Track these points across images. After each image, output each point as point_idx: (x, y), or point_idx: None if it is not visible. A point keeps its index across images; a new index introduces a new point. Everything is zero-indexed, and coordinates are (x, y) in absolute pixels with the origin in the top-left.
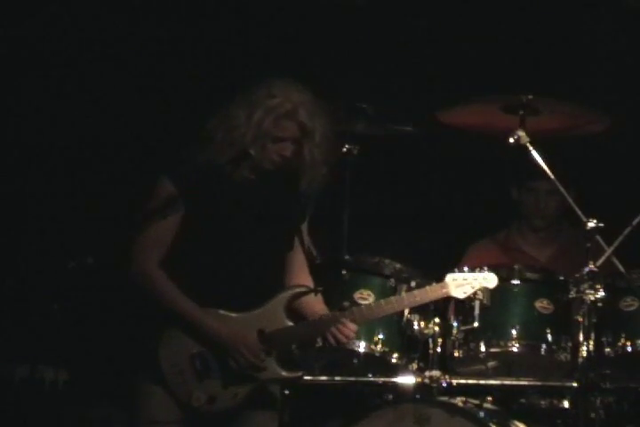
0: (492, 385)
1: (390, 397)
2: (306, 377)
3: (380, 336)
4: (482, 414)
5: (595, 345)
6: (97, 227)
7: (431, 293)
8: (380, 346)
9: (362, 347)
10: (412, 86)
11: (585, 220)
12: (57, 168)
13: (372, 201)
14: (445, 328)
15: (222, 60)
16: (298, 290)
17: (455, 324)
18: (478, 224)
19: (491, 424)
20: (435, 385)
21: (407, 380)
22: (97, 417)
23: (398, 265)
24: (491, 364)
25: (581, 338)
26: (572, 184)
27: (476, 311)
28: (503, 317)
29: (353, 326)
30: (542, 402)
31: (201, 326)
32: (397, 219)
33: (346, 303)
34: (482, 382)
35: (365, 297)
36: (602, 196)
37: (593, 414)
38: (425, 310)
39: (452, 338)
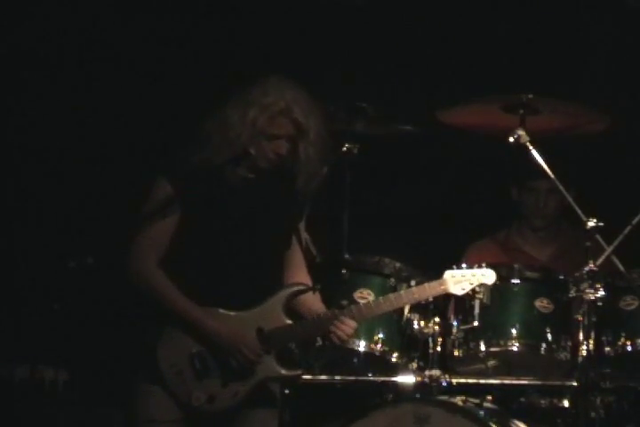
0: (491, 384)
1: (390, 396)
2: (306, 376)
3: (380, 335)
4: (482, 413)
5: (595, 344)
6: (97, 227)
7: (430, 289)
8: (379, 345)
9: (362, 346)
10: (412, 86)
11: (585, 219)
12: (57, 168)
13: (372, 201)
14: (445, 327)
15: (221, 60)
16: (296, 288)
17: (455, 323)
18: (478, 224)
19: (491, 424)
20: (435, 384)
21: (407, 379)
22: (97, 417)
23: (398, 264)
24: (491, 363)
25: (581, 337)
26: (571, 184)
27: (476, 311)
28: (503, 316)
29: (352, 324)
30: (542, 401)
31: (200, 326)
32: (397, 219)
33: (344, 302)
34: (482, 381)
35: (365, 296)
36: (602, 195)
37: (593, 414)
38: (425, 310)
39: (452, 337)
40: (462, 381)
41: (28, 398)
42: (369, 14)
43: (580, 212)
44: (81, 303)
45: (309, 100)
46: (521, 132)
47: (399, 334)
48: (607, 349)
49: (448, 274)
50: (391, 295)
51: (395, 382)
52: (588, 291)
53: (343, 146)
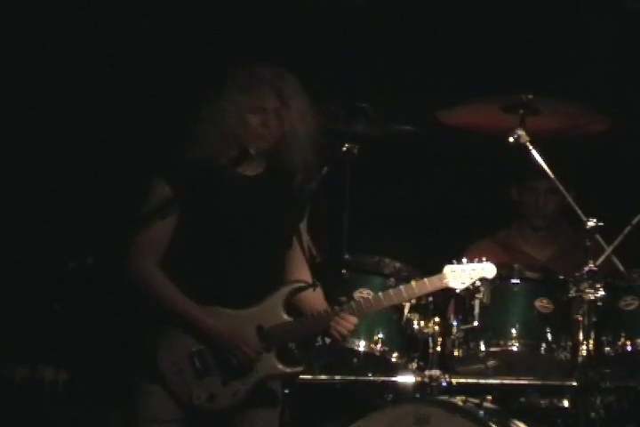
0: (491, 384)
1: (390, 396)
2: (306, 376)
3: (380, 335)
4: (482, 413)
5: (594, 344)
6: (97, 227)
7: (430, 284)
8: (379, 345)
9: (362, 346)
10: (412, 86)
11: (585, 219)
12: (57, 168)
13: (371, 201)
14: (445, 327)
15: (221, 59)
16: (296, 285)
17: (455, 323)
18: (478, 224)
19: (490, 423)
20: (434, 384)
21: (407, 379)
22: (97, 417)
23: (398, 264)
24: (490, 363)
25: (581, 337)
26: (571, 184)
27: (476, 310)
28: (503, 316)
29: (353, 319)
30: (542, 401)
31: (199, 324)
32: (397, 219)
33: (343, 298)
34: (482, 381)
35: (365, 296)
36: (602, 195)
37: (593, 414)
38: (425, 310)
39: (452, 337)
40: (462, 381)
41: (28, 398)
42: (369, 14)
43: (579, 212)
44: (81, 303)
45: (294, 78)
46: (520, 132)
47: (399, 334)
48: (607, 349)
49: (448, 268)
50: (391, 291)
51: (395, 382)
52: (587, 291)
53: (343, 146)
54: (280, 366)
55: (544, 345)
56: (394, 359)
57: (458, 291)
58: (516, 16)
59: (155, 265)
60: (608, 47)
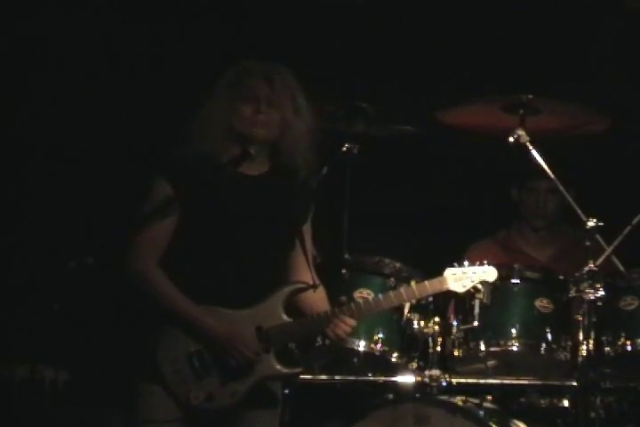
0: (491, 384)
1: (390, 396)
2: (305, 376)
3: (380, 335)
4: (482, 413)
5: (594, 344)
6: (97, 227)
7: (430, 287)
8: (379, 345)
9: (362, 346)
10: (412, 86)
11: (585, 219)
12: (57, 168)
13: (372, 201)
14: (445, 327)
15: (220, 59)
16: (296, 286)
17: (455, 323)
18: (478, 224)
19: (490, 423)
20: (434, 384)
21: (407, 379)
22: (97, 417)
23: (398, 264)
24: (490, 363)
25: (581, 337)
26: (571, 184)
27: (476, 310)
28: (503, 316)
29: (351, 322)
30: (542, 401)
31: (199, 324)
32: (397, 219)
33: (343, 298)
34: (482, 381)
35: (365, 296)
36: (602, 195)
37: (593, 414)
38: (425, 310)
39: (452, 337)
40: (462, 381)
41: (28, 398)
42: (369, 14)
43: (580, 212)
44: (81, 303)
45: (286, 70)
46: (520, 132)
47: (399, 334)
48: (607, 349)
49: (448, 272)
50: (391, 293)
51: (395, 382)
52: (587, 291)
53: (343, 146)
54: (279, 367)
55: (544, 345)
56: (394, 359)
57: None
58: (515, 16)
59: (155, 264)
60: (608, 47)
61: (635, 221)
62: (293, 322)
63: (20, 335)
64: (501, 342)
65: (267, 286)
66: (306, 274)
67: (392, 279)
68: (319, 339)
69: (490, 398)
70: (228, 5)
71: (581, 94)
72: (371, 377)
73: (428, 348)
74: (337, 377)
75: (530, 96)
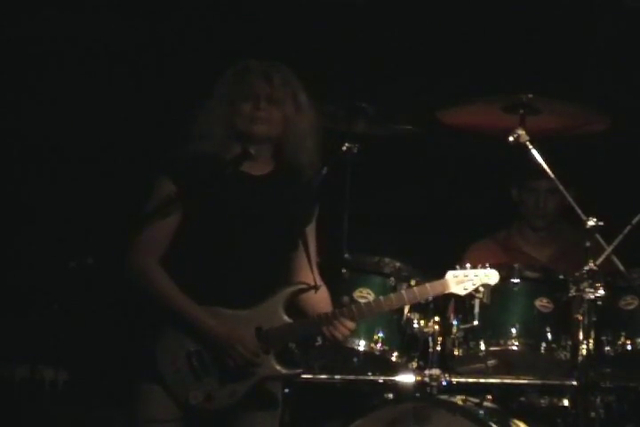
0: (491, 384)
1: (390, 395)
2: (305, 376)
3: (380, 335)
4: (482, 412)
5: (594, 344)
6: (97, 227)
7: (431, 289)
8: (379, 345)
9: (362, 345)
10: (412, 86)
11: (585, 219)
12: (57, 168)
13: (371, 201)
14: (445, 327)
15: (220, 59)
16: (297, 287)
17: (455, 322)
18: (478, 224)
19: (490, 423)
20: (435, 384)
21: (407, 378)
22: (97, 417)
23: (398, 264)
24: (490, 362)
25: (581, 337)
26: (571, 184)
27: (476, 310)
28: (503, 315)
29: (350, 324)
30: (542, 401)
31: (198, 324)
32: (397, 219)
33: (345, 298)
34: (482, 380)
35: (365, 296)
36: (602, 195)
37: (593, 413)
38: (425, 309)
39: (452, 337)
40: (462, 380)
41: (28, 398)
42: (369, 14)
43: (580, 212)
44: (81, 303)
45: (286, 69)
46: (520, 132)
47: (399, 334)
48: (607, 348)
49: (450, 274)
50: (392, 295)
51: (395, 382)
52: (587, 290)
53: (343, 146)
54: (278, 368)
55: (544, 345)
56: (394, 359)
57: None
58: (515, 16)
59: (156, 263)
60: (608, 47)
61: (635, 221)
62: (293, 323)
63: (20, 335)
64: (501, 342)
65: (268, 287)
66: (308, 275)
67: (392, 279)
68: (319, 339)
69: (490, 397)
70: (228, 5)
71: (581, 94)
72: (371, 377)
73: (428, 347)
74: (337, 377)
75: (530, 96)
